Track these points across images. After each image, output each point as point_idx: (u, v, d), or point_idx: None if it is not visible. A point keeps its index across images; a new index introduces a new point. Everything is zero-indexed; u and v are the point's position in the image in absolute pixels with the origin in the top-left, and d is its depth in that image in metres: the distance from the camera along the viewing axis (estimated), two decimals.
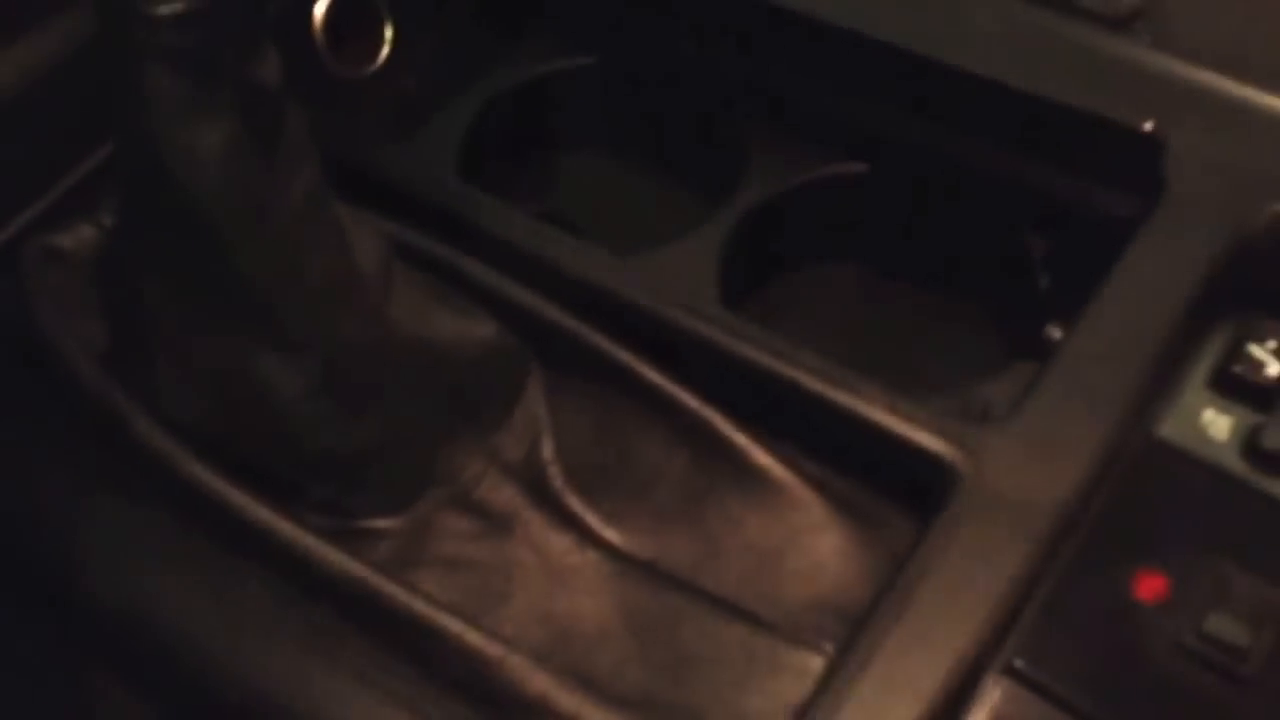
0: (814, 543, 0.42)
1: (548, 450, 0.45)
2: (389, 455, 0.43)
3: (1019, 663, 0.37)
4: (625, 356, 0.45)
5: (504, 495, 0.43)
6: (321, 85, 0.53)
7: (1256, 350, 0.43)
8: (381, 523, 0.43)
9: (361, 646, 0.38)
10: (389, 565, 0.42)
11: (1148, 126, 0.46)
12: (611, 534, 0.43)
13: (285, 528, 0.40)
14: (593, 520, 0.43)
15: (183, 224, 0.39)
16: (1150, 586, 0.38)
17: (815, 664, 0.39)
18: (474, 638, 0.38)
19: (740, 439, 0.43)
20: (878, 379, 0.43)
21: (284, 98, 0.39)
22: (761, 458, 0.43)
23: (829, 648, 0.39)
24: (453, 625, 0.38)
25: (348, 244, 0.41)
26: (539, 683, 0.37)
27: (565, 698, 0.37)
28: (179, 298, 0.40)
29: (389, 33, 0.56)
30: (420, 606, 0.38)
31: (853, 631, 0.38)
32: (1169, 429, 0.42)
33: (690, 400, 0.44)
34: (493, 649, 0.38)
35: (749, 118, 0.53)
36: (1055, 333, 0.47)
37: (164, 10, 0.36)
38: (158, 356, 0.42)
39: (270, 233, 0.39)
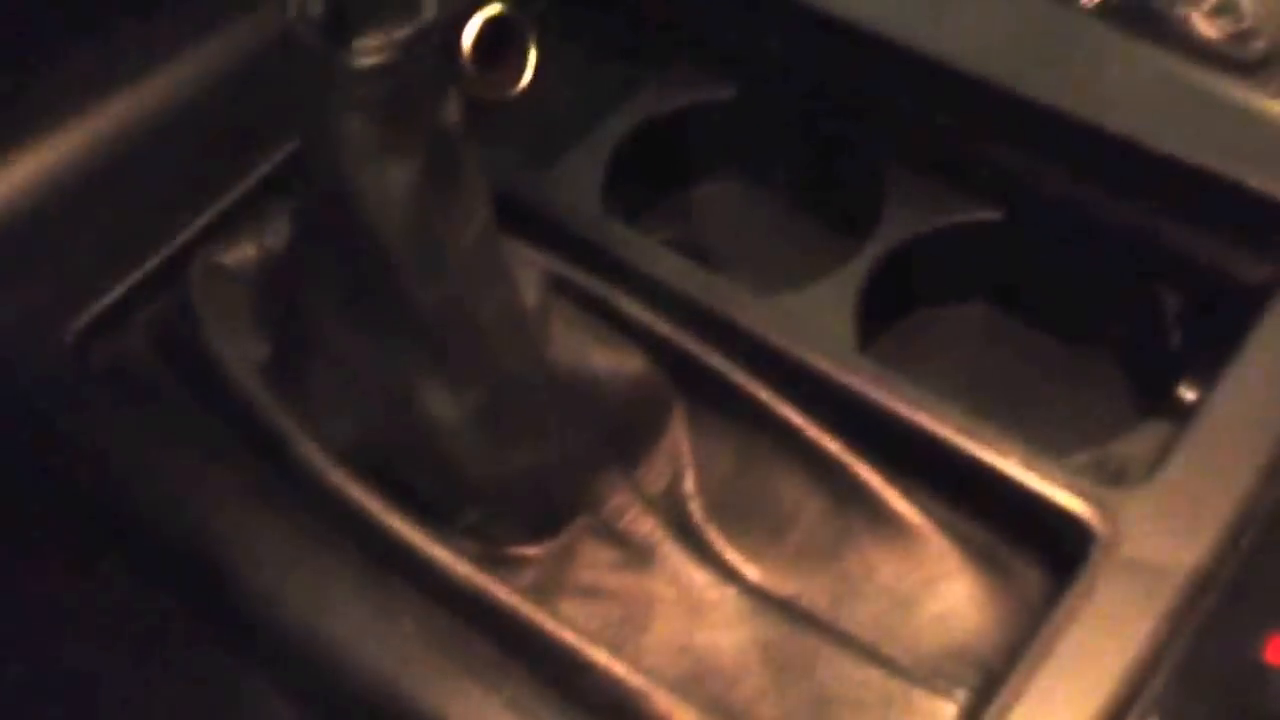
0: (948, 589, 0.44)
1: (689, 484, 0.47)
2: (538, 485, 0.45)
3: None
4: (766, 395, 0.47)
5: (646, 527, 0.46)
6: (469, 110, 0.56)
7: None
8: (527, 550, 0.46)
9: (512, 673, 0.41)
10: (533, 591, 0.44)
11: None
12: (750, 570, 0.45)
13: (438, 552, 0.42)
14: (732, 556, 0.46)
15: (364, 257, 0.41)
16: None
17: (949, 711, 0.41)
18: (620, 669, 0.40)
19: (877, 482, 0.46)
20: (1013, 431, 0.45)
21: (465, 140, 0.42)
22: (898, 502, 0.45)
23: (962, 695, 0.41)
24: (599, 656, 0.40)
25: (514, 280, 0.44)
26: (683, 717, 0.40)
27: None
28: (349, 324, 0.43)
29: (534, 57, 0.58)
30: (569, 637, 0.41)
31: (989, 684, 0.40)
32: None
33: (829, 442, 0.46)
34: (637, 681, 0.40)
35: (887, 158, 0.55)
36: (1187, 393, 0.49)
37: (361, 63, 0.38)
38: (320, 376, 0.44)
39: (448, 269, 0.41)
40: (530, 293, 0.44)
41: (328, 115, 0.39)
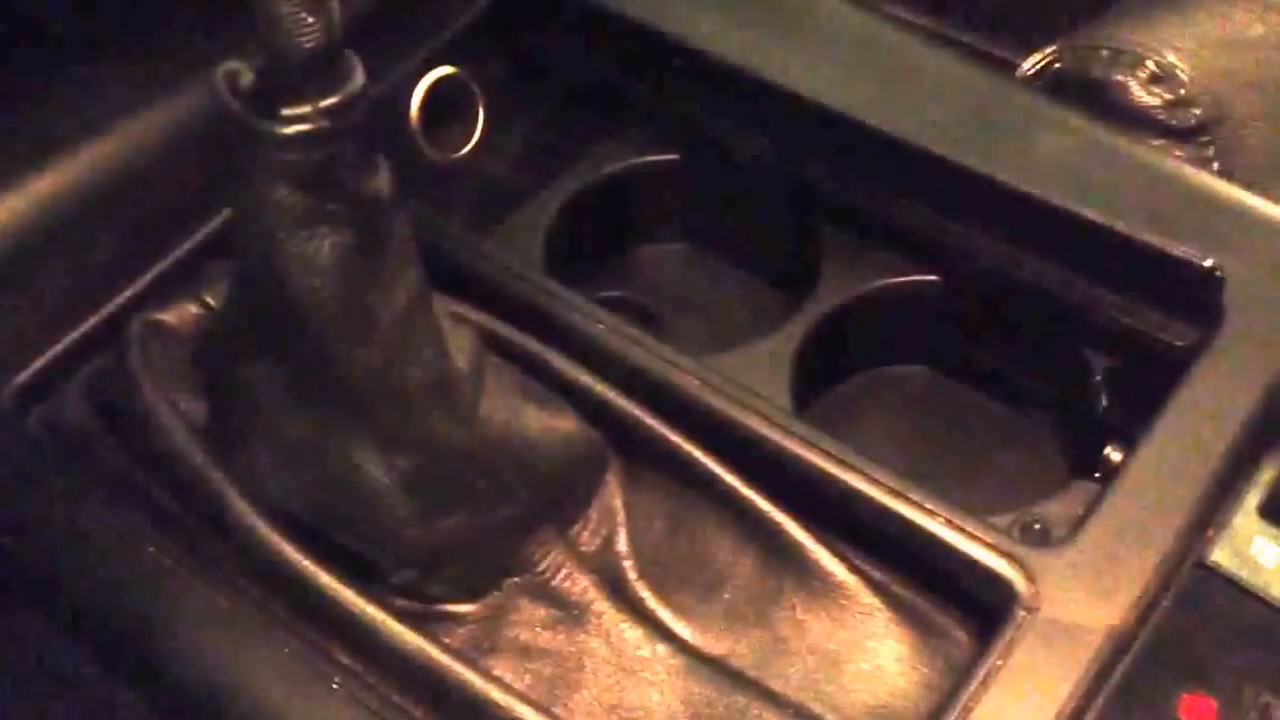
0: (876, 648, 0.46)
1: (623, 543, 0.49)
2: (471, 546, 0.47)
3: None
4: (700, 456, 0.49)
5: (579, 586, 0.47)
6: (413, 172, 0.58)
7: None
8: (460, 608, 0.47)
9: None
10: (465, 649, 0.46)
11: (1209, 264, 0.50)
12: (682, 629, 0.47)
13: (370, 611, 0.44)
14: (664, 614, 0.47)
15: (293, 324, 0.43)
16: (1195, 712, 0.42)
17: None
18: None
19: (808, 542, 0.47)
20: (942, 493, 0.47)
21: (394, 207, 0.43)
22: (828, 562, 0.47)
23: None
24: (528, 715, 0.42)
25: (446, 344, 0.45)
26: None
27: None
28: (281, 388, 0.45)
29: (481, 119, 0.61)
30: (498, 695, 0.42)
31: None
32: (1220, 555, 0.46)
33: (761, 502, 0.48)
34: None
35: (825, 222, 0.58)
36: (1114, 454, 0.51)
37: (287, 131, 0.40)
38: (254, 438, 0.46)
39: (375, 336, 0.43)
40: (463, 355, 0.46)
41: (255, 183, 0.40)
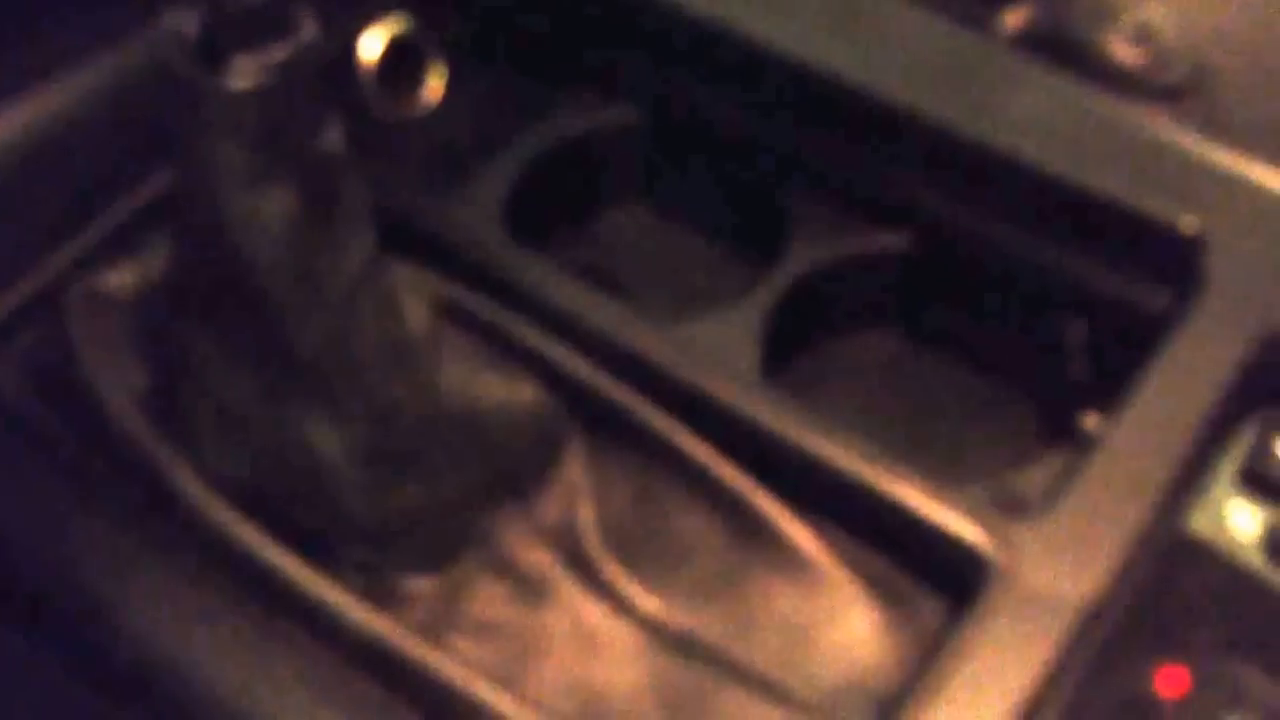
0: (846, 621, 0.46)
1: (585, 516, 0.48)
2: (427, 519, 0.46)
3: None
4: (666, 426, 0.48)
5: (540, 560, 0.47)
6: (369, 131, 0.57)
7: None
8: (416, 584, 0.47)
9: (397, 712, 0.42)
10: (423, 627, 0.45)
11: (1187, 226, 0.50)
12: (646, 603, 0.47)
13: (323, 589, 0.43)
14: (628, 588, 0.47)
15: (239, 288, 0.42)
16: (1171, 681, 0.42)
17: None
18: (505, 705, 0.41)
19: (777, 514, 0.47)
20: (914, 462, 0.47)
21: (346, 167, 0.43)
22: (798, 534, 0.47)
23: None
24: (485, 693, 0.41)
25: (400, 310, 0.45)
26: None
27: None
28: (227, 355, 0.44)
29: (439, 78, 0.60)
30: (454, 674, 0.42)
31: (883, 717, 0.42)
32: (1197, 524, 0.46)
33: (728, 473, 0.48)
34: (523, 717, 0.41)
35: (794, 185, 0.57)
36: (1089, 422, 0.51)
37: (235, 87, 0.39)
38: (200, 408, 0.45)
39: (324, 300, 0.42)
40: (418, 321, 0.46)
41: (200, 141, 0.40)
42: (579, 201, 0.62)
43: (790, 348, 0.56)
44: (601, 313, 0.51)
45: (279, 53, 0.39)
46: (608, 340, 0.50)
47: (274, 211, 0.41)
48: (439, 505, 0.46)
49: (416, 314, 0.46)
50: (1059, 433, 0.53)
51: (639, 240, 0.62)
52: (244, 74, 0.39)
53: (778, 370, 0.55)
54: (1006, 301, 0.55)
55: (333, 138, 0.42)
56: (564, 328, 0.50)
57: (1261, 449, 0.47)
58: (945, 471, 0.47)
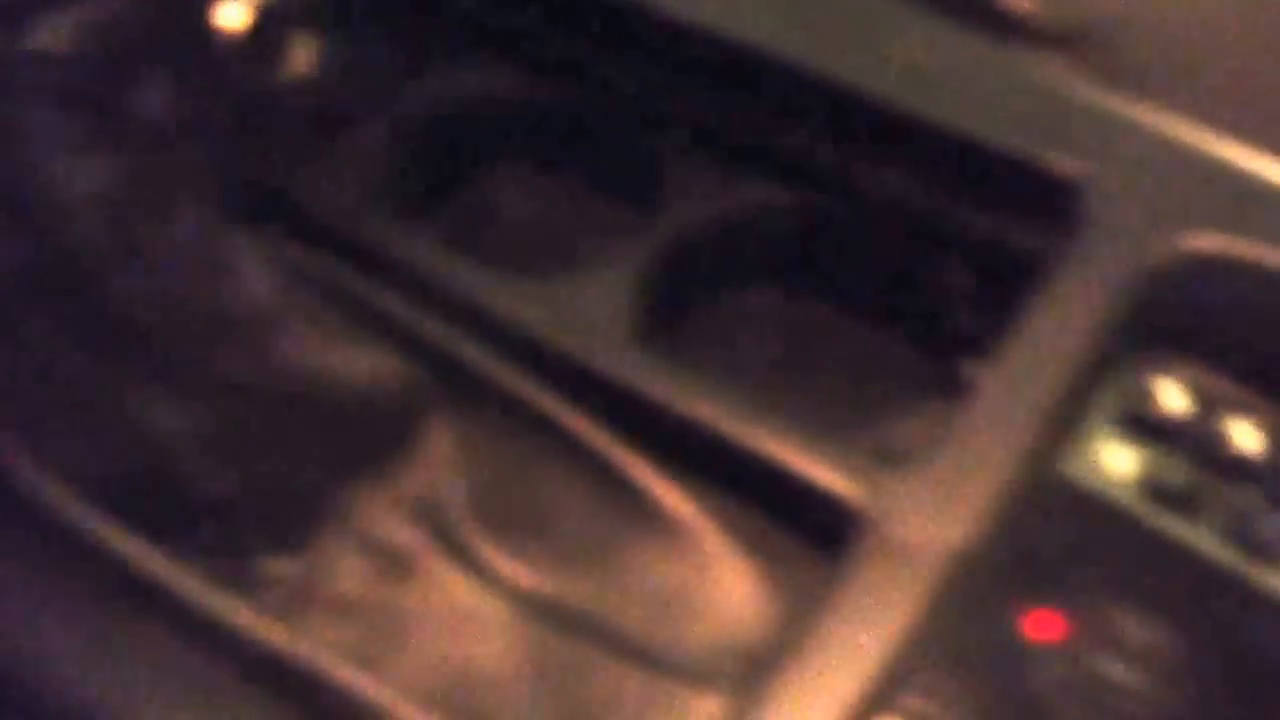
0: (720, 581, 0.45)
1: (450, 488, 0.47)
2: (281, 496, 0.45)
3: (910, 701, 0.40)
4: (531, 392, 0.47)
5: (403, 535, 0.46)
6: (233, 99, 0.56)
7: (1162, 388, 0.46)
8: (275, 565, 0.45)
9: (253, 698, 0.41)
10: (281, 610, 0.44)
11: (1065, 168, 0.49)
12: (514, 574, 0.45)
13: (171, 574, 0.42)
14: (495, 560, 0.46)
15: (62, 260, 0.41)
16: (1043, 626, 0.41)
17: (715, 707, 0.42)
18: (363, 685, 0.40)
19: (646, 477, 0.46)
20: (787, 417, 0.46)
21: (173, 133, 0.42)
22: (667, 496, 0.46)
23: (727, 688, 0.42)
24: (341, 672, 0.40)
25: (239, 279, 0.44)
26: None
27: None
28: (59, 333, 0.43)
29: (308, 47, 0.59)
30: (305, 654, 0.40)
31: (750, 674, 0.41)
32: (1073, 467, 0.45)
33: (596, 437, 0.47)
34: (382, 696, 0.40)
35: (669, 142, 0.56)
36: (971, 369, 0.50)
37: (53, 49, 0.38)
38: (35, 393, 0.44)
39: (151, 270, 0.41)
40: (263, 291, 0.44)
41: (9, 104, 0.38)
42: (453, 165, 0.61)
43: (670, 307, 0.55)
44: (468, 277, 0.49)
45: (94, 13, 0.38)
46: (474, 305, 0.49)
47: (93, 178, 0.39)
48: (291, 481, 0.45)
49: (262, 284, 0.44)
50: (944, 382, 0.52)
51: (515, 202, 0.60)
52: (56, 35, 0.38)
53: (659, 330, 0.54)
54: (889, 251, 0.54)
55: (158, 103, 0.41)
56: (429, 294, 0.49)
57: (1140, 391, 0.47)
58: (827, 426, 0.47)
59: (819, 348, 0.56)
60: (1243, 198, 0.49)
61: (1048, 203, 0.50)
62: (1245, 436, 0.45)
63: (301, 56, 0.59)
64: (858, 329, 0.56)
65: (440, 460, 0.47)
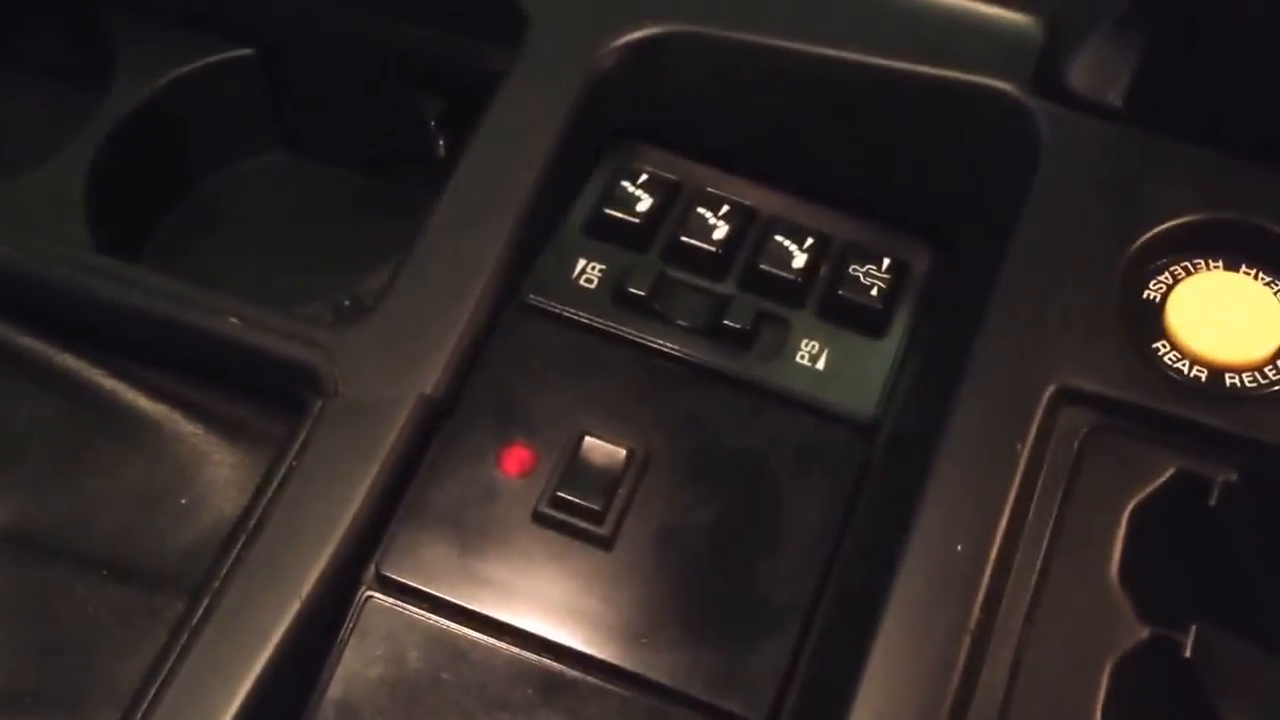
0: (201, 476, 0.43)
1: None
2: None
3: (386, 569, 0.40)
4: None
5: None
6: None
7: (629, 188, 0.46)
8: None
9: None
10: None
11: None
12: None
13: None
14: None
15: None
16: (517, 460, 0.41)
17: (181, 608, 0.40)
18: None
19: (109, 382, 0.44)
20: (244, 295, 0.43)
21: None
22: (136, 398, 0.44)
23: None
24: None
25: None
26: None
27: None
28: None
29: None
30: None
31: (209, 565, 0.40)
32: (541, 286, 0.44)
33: (51, 348, 0.44)
34: None
35: (113, 13, 0.52)
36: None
37: None
38: None
39: None
40: None
41: None
42: None
43: (149, 195, 0.52)
44: None
45: None
46: None
47: None
48: None
49: None
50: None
51: None
52: None
53: (147, 222, 0.52)
54: (358, 90, 0.52)
55: None
56: None
57: (607, 193, 0.46)
58: (302, 290, 0.45)
59: (324, 207, 0.54)
60: None
61: (490, 15, 0.48)
62: (706, 226, 0.45)
63: None
64: (362, 181, 0.55)
65: None
